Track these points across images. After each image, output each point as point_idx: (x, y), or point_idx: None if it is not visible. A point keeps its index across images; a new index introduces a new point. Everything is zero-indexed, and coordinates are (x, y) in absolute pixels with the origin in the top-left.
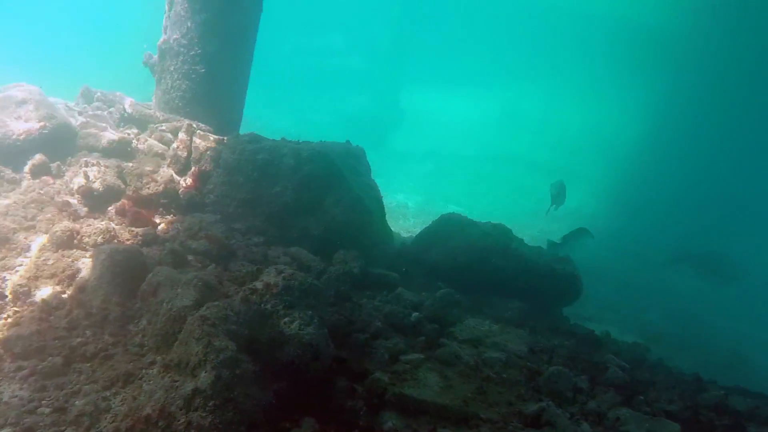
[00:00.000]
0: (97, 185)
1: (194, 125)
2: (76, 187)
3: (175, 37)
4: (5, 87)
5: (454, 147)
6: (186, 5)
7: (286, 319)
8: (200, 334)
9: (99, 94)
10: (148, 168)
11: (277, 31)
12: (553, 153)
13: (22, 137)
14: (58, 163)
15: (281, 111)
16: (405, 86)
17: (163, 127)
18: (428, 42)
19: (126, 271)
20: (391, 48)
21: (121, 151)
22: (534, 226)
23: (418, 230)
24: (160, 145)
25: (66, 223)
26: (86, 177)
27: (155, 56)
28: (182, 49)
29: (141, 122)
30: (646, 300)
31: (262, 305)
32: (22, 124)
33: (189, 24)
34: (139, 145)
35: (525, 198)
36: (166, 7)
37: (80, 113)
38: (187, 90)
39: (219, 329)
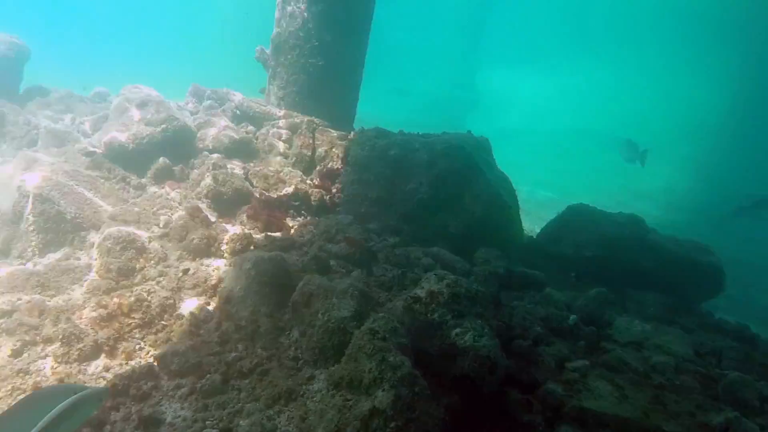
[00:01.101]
0: (225, 189)
1: (315, 121)
2: (204, 191)
3: (290, 29)
4: (122, 90)
5: (531, 125)
6: None
7: (457, 330)
8: (372, 349)
9: (209, 92)
10: (272, 168)
11: None
12: (632, 128)
13: (144, 141)
14: (181, 165)
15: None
16: (481, 66)
17: (281, 124)
18: (503, 20)
19: (273, 281)
20: (467, 27)
21: (241, 150)
22: (624, 205)
23: None
24: (281, 143)
25: (202, 231)
26: (215, 180)
27: (268, 50)
28: (298, 42)
29: (255, 119)
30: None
31: (429, 315)
32: (143, 128)
33: (305, 15)
34: (259, 144)
35: (609, 174)
36: (277, 0)
37: (193, 113)
38: (304, 84)
39: (390, 343)
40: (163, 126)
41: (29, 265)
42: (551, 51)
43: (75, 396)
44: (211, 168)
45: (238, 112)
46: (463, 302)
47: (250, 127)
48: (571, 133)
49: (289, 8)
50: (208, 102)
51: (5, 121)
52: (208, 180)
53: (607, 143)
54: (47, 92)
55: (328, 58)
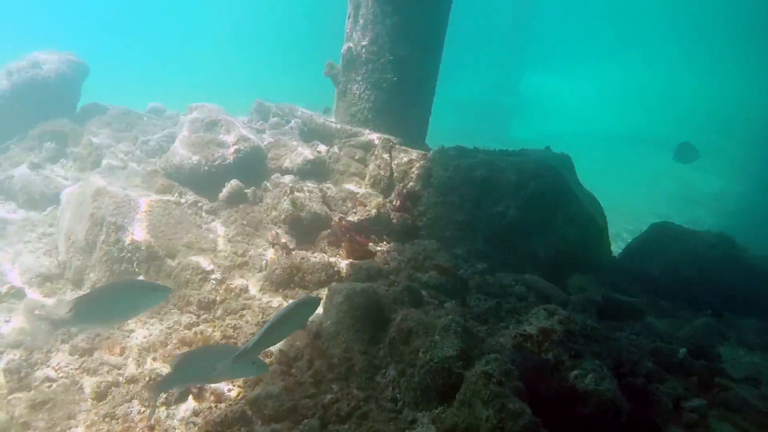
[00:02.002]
0: (304, 214)
1: (391, 139)
2: (282, 216)
3: (363, 43)
4: (189, 109)
5: (577, 129)
6: (375, 8)
7: (575, 372)
8: (488, 395)
9: (274, 108)
10: (350, 190)
11: None
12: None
13: (216, 163)
14: (253, 188)
15: None
16: (525, 70)
17: (353, 142)
18: (547, 24)
19: (366, 315)
20: (511, 32)
21: (315, 171)
22: (680, 212)
23: None
24: (355, 162)
25: (284, 260)
26: (293, 205)
27: (338, 66)
28: (371, 57)
29: (324, 136)
30: None
31: (542, 355)
32: (214, 149)
33: (379, 29)
34: (332, 164)
35: (659, 179)
36: (350, 11)
37: (259, 131)
38: (376, 100)
39: (506, 388)
40: (236, 147)
41: None
42: (596, 53)
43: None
44: (288, 192)
45: (305, 128)
46: (579, 340)
47: (322, 146)
48: (618, 137)
49: (361, 22)
50: (275, 119)
51: (67, 142)
52: (285, 204)
53: (656, 148)
54: (105, 110)
55: (403, 73)
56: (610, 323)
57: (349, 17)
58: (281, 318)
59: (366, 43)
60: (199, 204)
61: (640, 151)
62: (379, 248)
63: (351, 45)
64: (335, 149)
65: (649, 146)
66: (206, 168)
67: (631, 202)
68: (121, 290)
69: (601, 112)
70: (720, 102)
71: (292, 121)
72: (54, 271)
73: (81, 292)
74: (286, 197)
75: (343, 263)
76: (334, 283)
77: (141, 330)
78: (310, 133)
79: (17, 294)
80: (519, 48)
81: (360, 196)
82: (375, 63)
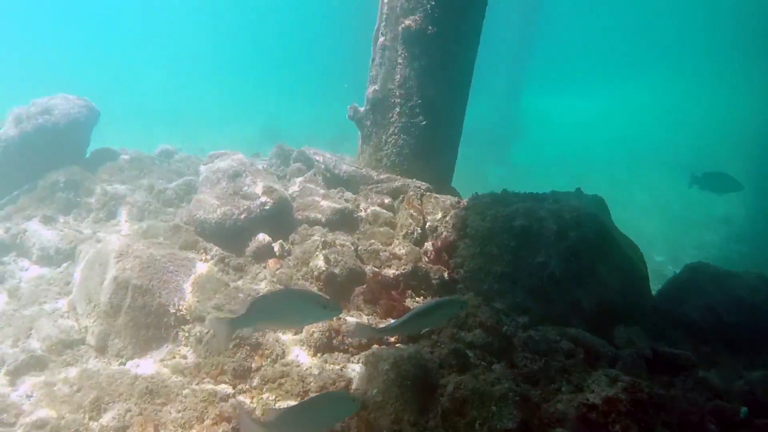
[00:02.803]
0: (338, 270)
1: (422, 186)
2: (315, 273)
3: (389, 87)
4: (210, 157)
5: (579, 152)
6: (403, 51)
7: None
8: None
9: (296, 153)
10: (381, 241)
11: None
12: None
13: (242, 216)
14: (281, 241)
15: None
16: (526, 93)
17: (380, 188)
18: (549, 46)
19: (415, 384)
20: (512, 55)
21: (344, 222)
22: (687, 236)
23: None
24: (385, 212)
25: (322, 323)
26: (327, 261)
27: (362, 109)
28: (399, 100)
29: (349, 183)
30: None
31: (610, 427)
32: (241, 202)
33: (407, 72)
34: (360, 213)
35: (667, 203)
36: (374, 54)
37: (280, 177)
38: (404, 145)
39: None
40: (263, 200)
41: (131, 366)
42: (598, 75)
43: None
44: (320, 246)
45: (328, 174)
46: (649, 410)
47: (348, 194)
48: (622, 159)
49: (387, 65)
50: (296, 165)
51: (80, 191)
52: (319, 261)
53: (661, 170)
54: (116, 155)
55: (431, 117)
56: (661, 378)
57: (373, 60)
58: (425, 310)
59: (393, 86)
60: (226, 260)
61: (646, 173)
62: (416, 303)
63: (377, 88)
64: (362, 196)
65: (653, 168)
66: (232, 222)
67: (639, 226)
68: (295, 298)
69: (603, 134)
70: (723, 124)
71: (315, 167)
72: (74, 337)
73: (105, 360)
74: (318, 253)
75: (384, 325)
76: (376, 347)
77: (174, 404)
78: (334, 179)
79: (38, 363)
80: (519, 70)
81: (393, 248)
82: (403, 107)
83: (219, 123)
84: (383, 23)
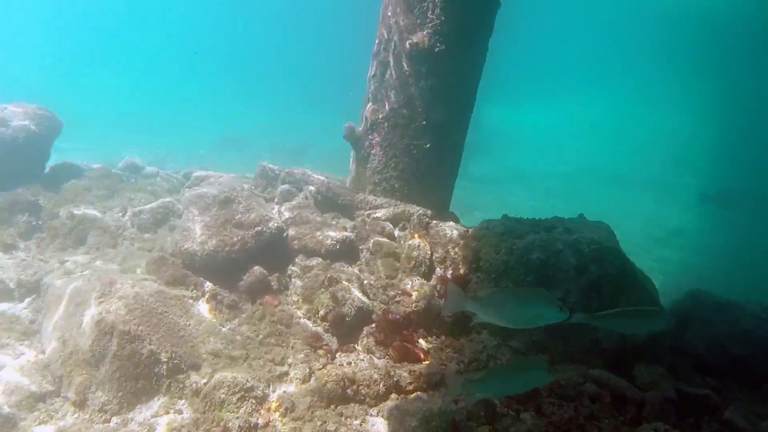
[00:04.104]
0: (346, 308)
1: (426, 214)
2: (322, 312)
3: (392, 106)
4: (195, 180)
5: (536, 165)
6: (408, 69)
7: None
8: None
9: (283, 174)
10: (386, 273)
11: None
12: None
13: (235, 248)
14: (277, 275)
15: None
16: (484, 104)
17: (378, 215)
18: (505, 56)
19: None
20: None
21: (343, 251)
22: (647, 252)
23: None
24: (388, 241)
25: (334, 371)
26: (334, 300)
27: (359, 129)
28: (402, 121)
29: (344, 207)
30: None
31: None
32: (233, 232)
33: (412, 91)
34: (359, 242)
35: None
36: (374, 70)
37: (267, 199)
38: (406, 168)
39: None
40: (258, 229)
41: (115, 424)
42: (555, 86)
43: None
44: (326, 283)
45: (320, 197)
46: None
47: (344, 220)
48: (578, 171)
49: (389, 82)
50: (284, 187)
51: (42, 214)
52: (325, 299)
53: (619, 184)
54: (79, 171)
55: (436, 139)
56: (688, 421)
57: (373, 76)
58: (632, 312)
59: (396, 105)
60: (219, 297)
61: (602, 187)
62: (430, 345)
63: (376, 107)
64: (359, 222)
65: (612, 182)
66: (225, 254)
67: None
68: (530, 297)
69: (563, 147)
70: (676, 137)
71: (305, 190)
72: (47, 388)
73: (86, 417)
74: (324, 290)
75: (401, 372)
76: (400, 400)
77: None
78: (326, 203)
79: (6, 423)
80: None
81: (401, 282)
82: (406, 128)
83: (176, 129)
84: (386, 38)
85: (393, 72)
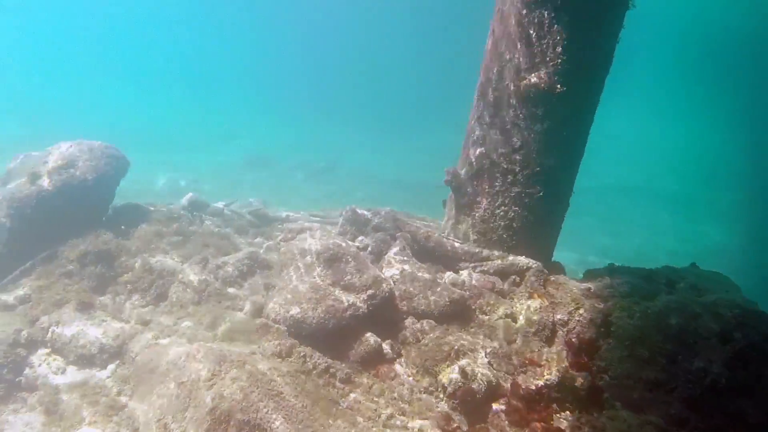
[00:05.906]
0: (478, 385)
1: (540, 269)
2: (450, 389)
3: (501, 151)
4: (288, 230)
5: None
6: (523, 111)
7: None
8: None
9: (376, 220)
10: (507, 339)
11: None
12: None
13: (347, 314)
14: (390, 341)
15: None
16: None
17: (485, 268)
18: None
19: None
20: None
21: (456, 312)
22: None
23: None
24: (498, 298)
25: None
26: (463, 375)
27: (462, 174)
28: (513, 167)
29: (440, 257)
30: None
31: None
32: (342, 296)
33: (525, 135)
34: (470, 301)
35: (652, 235)
36: (480, 111)
37: (361, 249)
38: (516, 218)
39: None
40: (370, 293)
41: None
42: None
43: None
44: (453, 356)
45: (416, 246)
46: None
47: (449, 274)
48: (605, 188)
49: (499, 125)
50: (379, 234)
51: (114, 264)
52: (454, 375)
53: (653, 201)
54: (145, 213)
55: (548, 187)
56: None
57: (480, 118)
58: None
59: (507, 150)
60: (332, 370)
61: (637, 205)
62: (565, 422)
63: (483, 151)
64: (464, 277)
65: (645, 199)
66: (335, 321)
67: (634, 261)
68: None
69: (590, 161)
70: (716, 154)
71: (399, 239)
72: None
73: None
74: (451, 363)
75: None
76: None
77: None
78: (422, 252)
79: None
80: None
81: (525, 348)
82: (518, 174)
83: (199, 146)
84: (496, 77)
85: (505, 114)
